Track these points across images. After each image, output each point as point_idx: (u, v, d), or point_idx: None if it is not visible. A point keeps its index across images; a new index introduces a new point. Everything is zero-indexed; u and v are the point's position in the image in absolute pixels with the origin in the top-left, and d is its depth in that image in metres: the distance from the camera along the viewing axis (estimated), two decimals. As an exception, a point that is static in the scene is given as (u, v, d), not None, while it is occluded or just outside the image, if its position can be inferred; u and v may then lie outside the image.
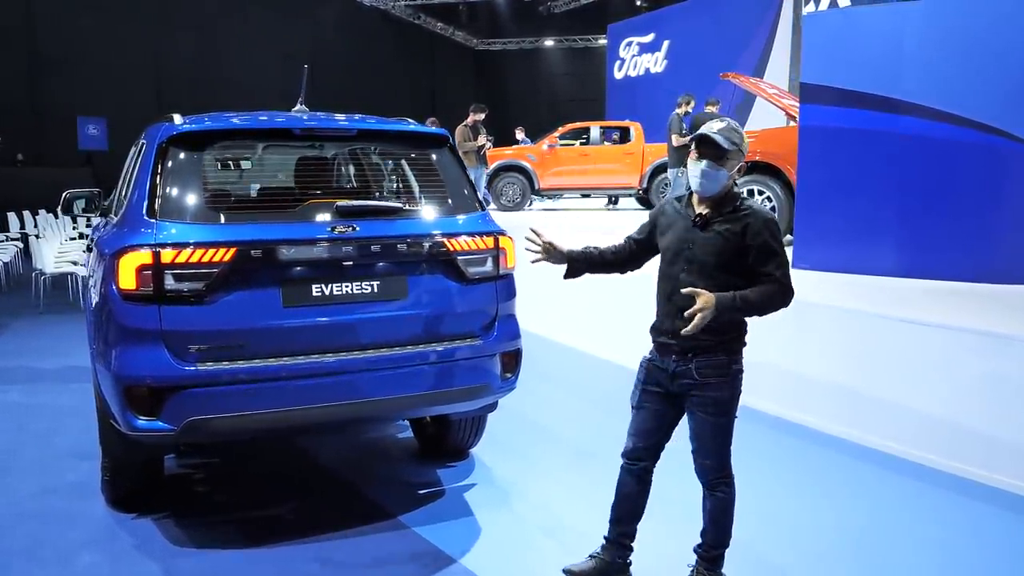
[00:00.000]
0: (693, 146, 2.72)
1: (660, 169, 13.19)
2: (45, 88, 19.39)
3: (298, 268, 3.23)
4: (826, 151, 6.19)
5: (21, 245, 12.73)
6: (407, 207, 3.66)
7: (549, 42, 30.61)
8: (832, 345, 4.93)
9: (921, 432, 4.31)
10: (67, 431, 4.76)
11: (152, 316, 3.04)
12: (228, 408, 3.11)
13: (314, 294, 3.25)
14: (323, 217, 3.34)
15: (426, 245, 3.46)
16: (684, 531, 3.03)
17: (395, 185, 4.13)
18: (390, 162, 4.21)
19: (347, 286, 3.29)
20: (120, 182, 4.42)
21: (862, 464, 4.31)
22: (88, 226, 12.95)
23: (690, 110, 10.70)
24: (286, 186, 3.84)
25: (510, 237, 3.70)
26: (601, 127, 14.66)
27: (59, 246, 10.86)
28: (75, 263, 9.72)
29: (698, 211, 2.74)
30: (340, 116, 3.81)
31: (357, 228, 3.31)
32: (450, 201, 3.70)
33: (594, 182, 14.25)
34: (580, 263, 3.01)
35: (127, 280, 3.04)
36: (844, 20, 6.87)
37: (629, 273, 3.10)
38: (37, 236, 10.10)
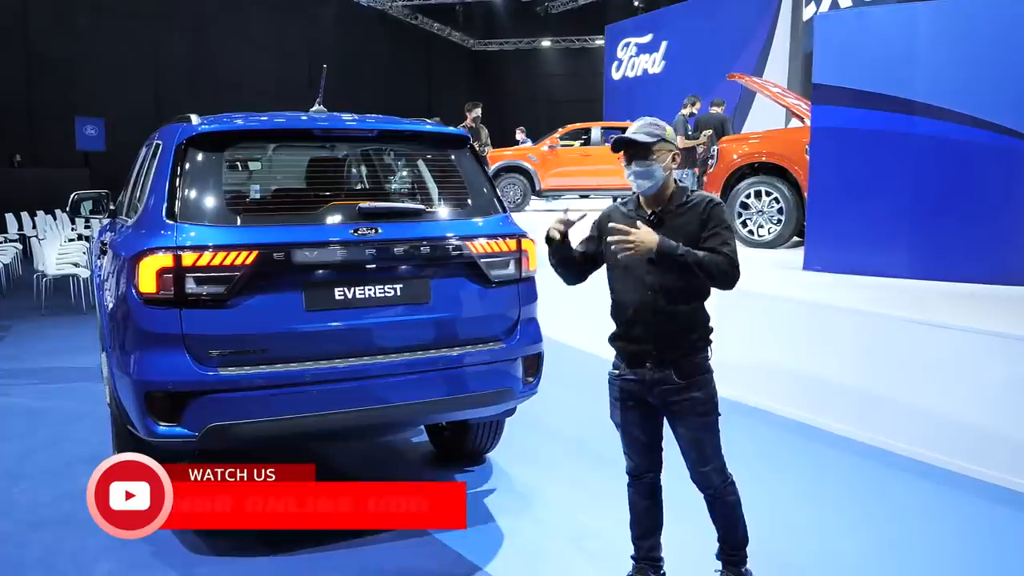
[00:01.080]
0: (621, 155, 2.67)
1: (662, 170, 13.16)
2: (42, 88, 19.23)
3: (321, 271, 3.18)
4: (839, 152, 6.15)
5: (20, 247, 12.63)
6: (429, 209, 3.61)
7: (546, 43, 30.57)
8: (847, 347, 4.89)
9: (939, 435, 4.28)
10: (77, 435, 4.70)
11: (173, 320, 2.99)
12: (250, 413, 3.06)
13: (337, 297, 3.20)
14: (345, 219, 3.28)
15: (449, 247, 3.41)
16: (701, 531, 2.96)
17: (416, 187, 4.07)
18: (410, 163, 4.15)
19: (370, 289, 3.24)
20: (131, 183, 4.35)
21: (880, 467, 4.28)
22: (87, 227, 12.90)
23: (696, 111, 10.67)
24: (306, 188, 3.77)
25: (532, 239, 3.65)
26: (602, 128, 14.62)
27: (60, 247, 10.77)
28: (76, 265, 9.64)
29: (651, 209, 2.68)
30: (360, 117, 3.75)
31: (380, 230, 3.26)
32: (472, 203, 3.65)
33: (595, 183, 14.19)
34: (567, 248, 2.81)
35: (147, 284, 2.98)
36: (857, 21, 6.83)
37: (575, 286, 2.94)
38: (38, 238, 10.01)
